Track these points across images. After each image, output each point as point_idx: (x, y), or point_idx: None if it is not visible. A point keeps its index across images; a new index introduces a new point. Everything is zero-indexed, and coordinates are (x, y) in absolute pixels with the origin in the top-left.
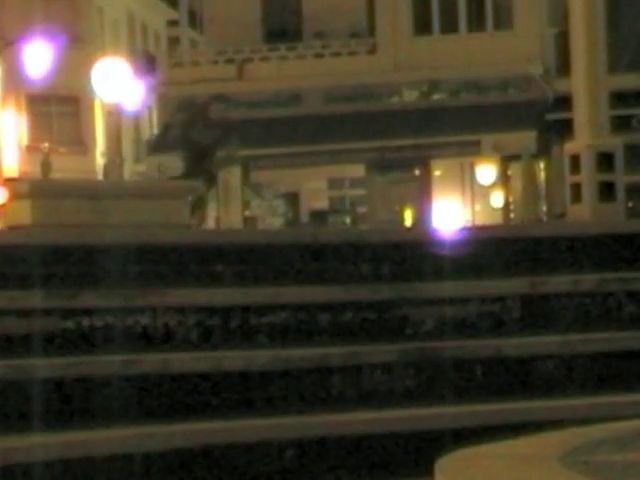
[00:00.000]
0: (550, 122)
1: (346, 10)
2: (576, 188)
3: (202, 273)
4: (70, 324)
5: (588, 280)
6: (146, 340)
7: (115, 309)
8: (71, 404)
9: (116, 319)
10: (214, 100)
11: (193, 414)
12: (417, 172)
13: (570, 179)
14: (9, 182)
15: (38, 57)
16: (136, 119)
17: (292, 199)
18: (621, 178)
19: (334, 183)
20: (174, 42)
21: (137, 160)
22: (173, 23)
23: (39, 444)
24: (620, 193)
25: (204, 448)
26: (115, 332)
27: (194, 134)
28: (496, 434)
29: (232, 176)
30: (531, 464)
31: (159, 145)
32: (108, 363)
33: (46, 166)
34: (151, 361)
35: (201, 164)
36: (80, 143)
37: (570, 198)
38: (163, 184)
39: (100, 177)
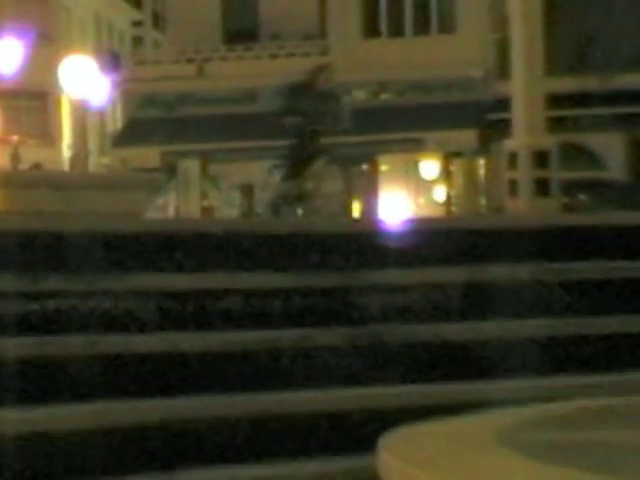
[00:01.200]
0: (490, 121)
1: (300, 14)
2: (513, 184)
3: (162, 259)
4: (36, 306)
5: (524, 270)
6: (108, 321)
7: (78, 292)
8: (36, 381)
9: (80, 302)
10: (178, 101)
11: (151, 391)
12: (365, 167)
13: (508, 175)
14: None
15: (8, 54)
16: (101, 114)
17: (247, 191)
18: (556, 175)
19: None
20: (138, 42)
21: (102, 153)
22: (137, 24)
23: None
24: (554, 189)
25: (162, 423)
26: (79, 314)
27: (302, 102)
28: (438, 413)
29: (190, 168)
30: (468, 441)
31: (123, 139)
32: (72, 343)
33: (15, 157)
34: (113, 342)
35: (313, 131)
36: (48, 136)
37: (508, 193)
38: (126, 176)
39: (66, 168)
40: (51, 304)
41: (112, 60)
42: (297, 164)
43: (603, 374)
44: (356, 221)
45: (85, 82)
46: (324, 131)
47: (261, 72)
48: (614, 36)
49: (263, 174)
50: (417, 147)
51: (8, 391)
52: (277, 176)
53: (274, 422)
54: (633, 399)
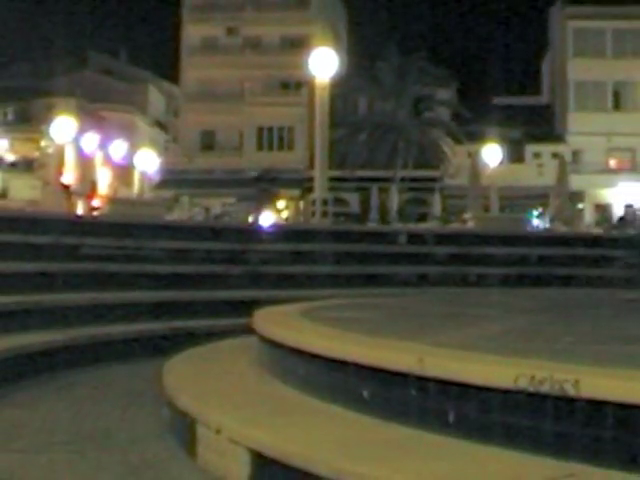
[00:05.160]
0: (305, 186)
1: (233, 139)
2: (314, 212)
3: (170, 235)
4: (119, 251)
5: (319, 245)
6: (146, 259)
7: (136, 247)
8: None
9: (137, 250)
10: (181, 172)
11: (169, 287)
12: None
13: (311, 208)
14: (101, 197)
15: (118, 151)
16: (150, 176)
17: (207, 209)
18: (330, 209)
19: (224, 204)
20: (167, 147)
21: (149, 191)
22: (168, 140)
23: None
24: (329, 215)
25: (177, 300)
26: (136, 256)
27: None
28: (281, 302)
29: (184, 199)
30: (291, 315)
31: (158, 186)
32: (132, 268)
33: (115, 192)
34: (149, 268)
35: None
36: (129, 184)
37: (311, 216)
38: (158, 200)
39: (134, 197)
40: (127, 250)
41: (156, 155)
42: None
43: (352, 289)
44: (250, 224)
45: (146, 163)
46: None
47: (215, 163)
48: (356, 154)
49: (213, 202)
50: (277, 194)
51: (87, 282)
52: None
53: (216, 303)
54: (373, 299)
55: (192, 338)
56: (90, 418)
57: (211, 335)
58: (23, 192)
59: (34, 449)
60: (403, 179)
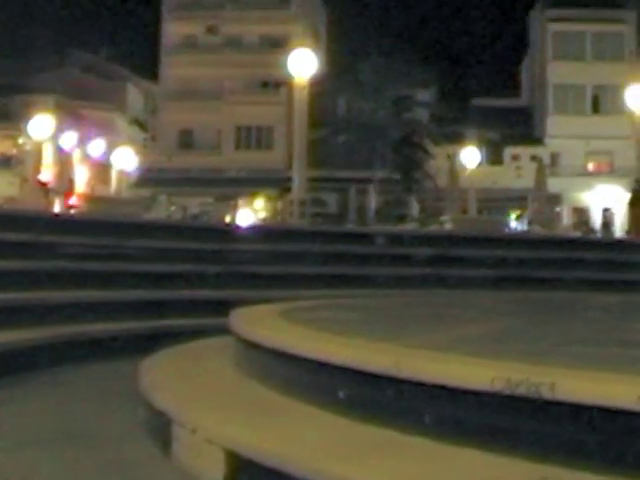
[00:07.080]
0: (284, 186)
1: (210, 138)
2: (291, 212)
3: (146, 233)
4: (106, 250)
5: (298, 245)
6: (126, 257)
7: (114, 245)
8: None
9: (115, 249)
10: (159, 171)
11: (149, 282)
12: (232, 202)
13: (289, 209)
14: (79, 195)
15: (96, 148)
16: (128, 174)
17: (184, 209)
18: (309, 210)
19: (202, 203)
20: (146, 146)
21: (127, 190)
22: (146, 139)
23: None
24: (307, 215)
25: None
26: (117, 253)
27: None
28: (259, 302)
29: (162, 198)
30: (268, 315)
31: (136, 185)
32: (112, 265)
33: (92, 190)
34: (126, 266)
35: None
36: (106, 182)
37: (290, 216)
38: (136, 199)
39: (112, 195)
40: (105, 249)
41: (134, 154)
42: None
43: (329, 290)
44: (227, 224)
45: (124, 161)
46: None
47: (194, 163)
48: (335, 154)
49: (191, 201)
50: (254, 194)
51: (66, 281)
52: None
53: (195, 303)
54: (353, 299)
55: (171, 337)
56: (69, 417)
57: (190, 334)
58: (1, 189)
59: (9, 448)
60: (382, 180)
